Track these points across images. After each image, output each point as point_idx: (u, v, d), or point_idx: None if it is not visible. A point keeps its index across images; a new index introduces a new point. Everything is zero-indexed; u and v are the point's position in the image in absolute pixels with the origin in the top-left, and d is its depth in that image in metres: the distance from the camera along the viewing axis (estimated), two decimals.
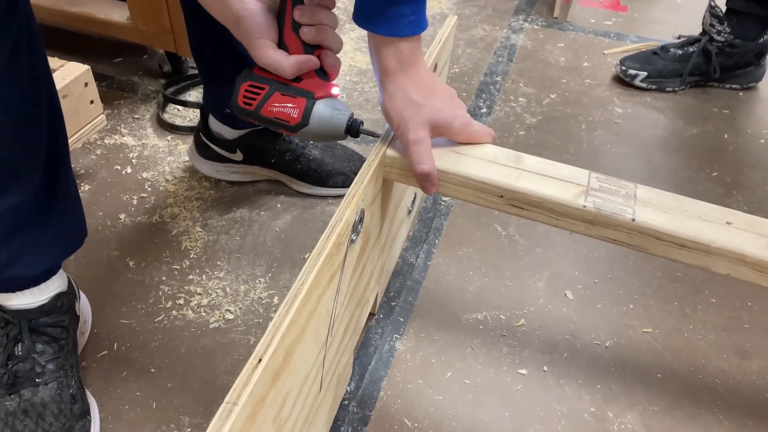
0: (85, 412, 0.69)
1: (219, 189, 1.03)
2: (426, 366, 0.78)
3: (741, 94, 1.35)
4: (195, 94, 1.25)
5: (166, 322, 0.82)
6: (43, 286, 0.68)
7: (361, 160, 1.05)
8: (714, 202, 0.62)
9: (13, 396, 0.66)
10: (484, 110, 1.25)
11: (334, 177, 1.01)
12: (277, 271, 0.89)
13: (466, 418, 0.73)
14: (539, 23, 1.58)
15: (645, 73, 1.32)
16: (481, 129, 0.66)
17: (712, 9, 1.29)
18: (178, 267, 0.89)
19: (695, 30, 1.40)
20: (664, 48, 1.35)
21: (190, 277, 0.88)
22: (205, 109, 0.98)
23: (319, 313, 0.51)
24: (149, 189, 1.02)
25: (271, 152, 0.99)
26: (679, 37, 1.42)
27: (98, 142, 1.11)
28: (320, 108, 0.65)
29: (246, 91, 0.66)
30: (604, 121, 1.24)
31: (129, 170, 1.05)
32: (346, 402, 0.74)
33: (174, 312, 0.83)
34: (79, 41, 1.38)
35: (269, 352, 0.43)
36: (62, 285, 0.71)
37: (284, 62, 0.63)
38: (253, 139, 0.98)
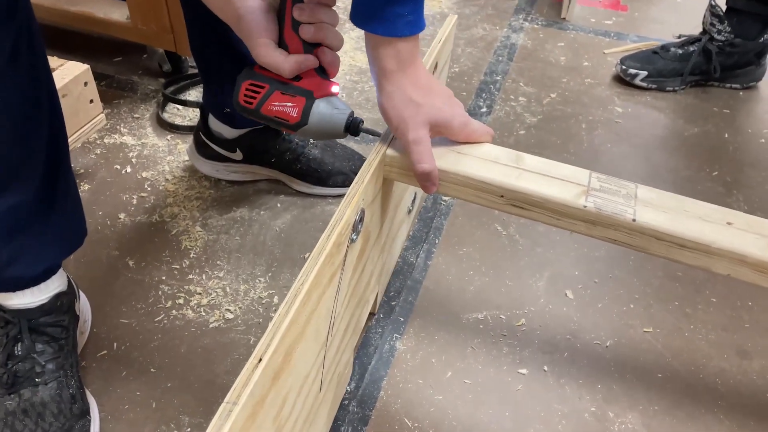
0: (85, 412, 0.69)
1: (219, 188, 1.03)
2: (426, 366, 0.78)
3: (741, 93, 1.35)
4: (195, 94, 1.25)
5: (165, 321, 0.82)
6: (43, 285, 0.68)
7: (361, 159, 1.04)
8: (714, 202, 0.61)
9: (12, 396, 0.66)
10: (484, 109, 1.25)
11: (334, 176, 1.01)
12: (277, 271, 0.89)
13: (466, 418, 0.73)
14: (539, 22, 1.58)
15: (645, 73, 1.32)
16: (480, 128, 0.66)
17: (712, 8, 1.29)
18: (177, 266, 0.89)
19: (695, 29, 1.40)
20: (665, 47, 1.35)
21: (190, 276, 0.88)
22: (205, 108, 0.98)
23: (319, 312, 0.51)
24: (149, 188, 1.02)
25: (271, 151, 0.99)
26: (679, 37, 1.42)
27: (98, 142, 1.11)
28: (319, 107, 0.65)
29: (247, 89, 0.66)
30: (604, 121, 1.24)
31: (129, 170, 1.05)
32: (346, 402, 0.74)
33: (174, 312, 0.83)
34: (79, 40, 1.38)
35: (269, 351, 0.43)
36: (62, 285, 0.71)
37: (283, 62, 0.63)
38: (253, 138, 0.97)
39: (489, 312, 0.85)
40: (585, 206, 0.58)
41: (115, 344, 0.79)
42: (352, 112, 0.66)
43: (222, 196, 1.01)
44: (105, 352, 0.78)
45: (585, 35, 1.54)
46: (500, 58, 1.42)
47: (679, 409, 0.75)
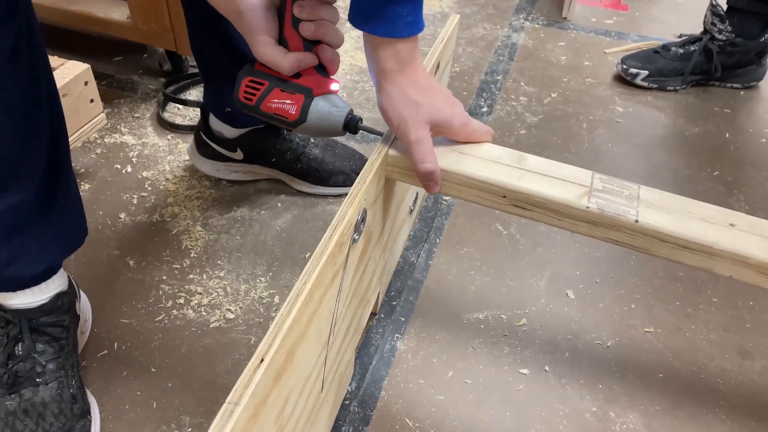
0: (86, 412, 0.69)
1: (219, 188, 1.02)
2: (427, 365, 0.78)
3: (742, 93, 1.35)
4: (195, 93, 1.24)
5: (166, 321, 0.81)
6: (43, 285, 0.68)
7: (362, 159, 1.04)
8: (715, 202, 0.61)
9: (13, 396, 0.66)
10: (485, 109, 1.25)
11: (335, 176, 1.01)
12: (277, 271, 0.89)
13: (467, 418, 0.73)
14: (540, 22, 1.58)
15: (646, 72, 1.32)
16: (480, 127, 0.65)
17: (713, 7, 1.29)
18: (178, 266, 0.89)
19: (696, 29, 1.40)
20: (666, 47, 1.35)
21: (191, 276, 0.87)
22: (205, 107, 0.98)
23: (321, 312, 0.51)
24: (149, 188, 1.02)
25: (271, 151, 0.99)
26: (680, 36, 1.41)
27: (98, 141, 1.10)
28: (318, 104, 0.65)
29: (247, 86, 0.66)
30: (605, 120, 1.24)
31: (129, 169, 1.05)
32: (347, 402, 0.73)
33: (174, 311, 0.83)
34: (79, 40, 1.37)
35: (271, 352, 0.42)
36: (63, 284, 0.71)
37: (282, 60, 0.62)
38: (253, 137, 0.97)
39: (490, 312, 0.85)
40: (587, 207, 0.58)
41: (115, 344, 0.79)
42: (351, 110, 0.66)
43: (222, 195, 1.01)
44: (105, 351, 0.78)
45: (586, 35, 1.54)
46: (501, 58, 1.42)
47: (680, 409, 0.75)
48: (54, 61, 0.96)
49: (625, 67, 1.33)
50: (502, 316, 0.85)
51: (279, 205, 1.00)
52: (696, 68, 1.32)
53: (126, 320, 0.81)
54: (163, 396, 0.73)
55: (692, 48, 1.32)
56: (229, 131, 0.97)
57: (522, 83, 1.34)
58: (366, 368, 0.77)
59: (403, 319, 0.84)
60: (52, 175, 0.64)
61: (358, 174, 0.99)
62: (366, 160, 1.04)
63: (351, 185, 0.99)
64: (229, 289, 0.86)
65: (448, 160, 0.62)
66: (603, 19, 1.61)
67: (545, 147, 1.16)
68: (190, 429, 0.70)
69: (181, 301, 0.84)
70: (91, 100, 1.01)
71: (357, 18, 0.60)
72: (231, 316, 0.82)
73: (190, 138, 1.07)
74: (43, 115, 0.61)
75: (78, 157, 1.06)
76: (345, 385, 0.73)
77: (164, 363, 0.77)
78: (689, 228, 0.56)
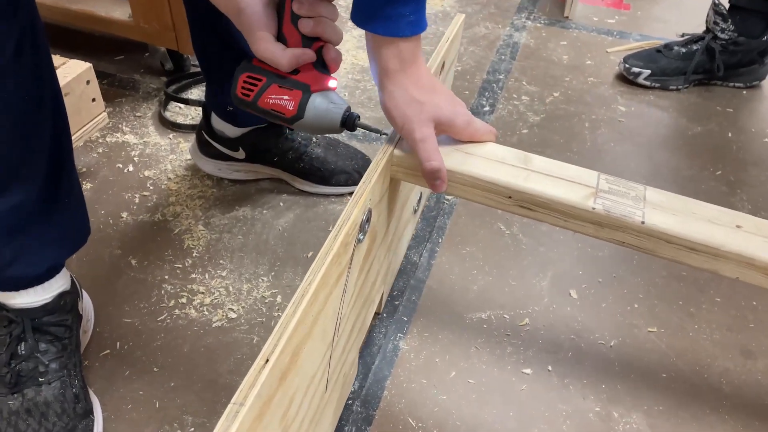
0: (88, 412, 0.68)
1: (221, 187, 1.02)
2: (430, 365, 0.78)
3: (745, 92, 1.35)
4: (197, 92, 1.24)
5: (168, 321, 0.81)
6: (46, 284, 0.68)
7: (364, 158, 1.04)
8: (717, 201, 0.61)
9: (16, 395, 0.66)
10: (487, 108, 1.25)
11: (337, 175, 1.01)
12: (280, 270, 0.89)
13: (470, 418, 0.73)
14: (542, 21, 1.58)
15: (648, 71, 1.31)
16: (482, 127, 0.65)
17: (715, 6, 1.28)
18: (180, 266, 0.89)
19: (698, 28, 1.39)
20: (668, 46, 1.35)
21: (193, 275, 0.87)
22: (207, 106, 0.98)
23: (326, 312, 0.51)
24: (151, 187, 1.01)
25: (273, 150, 0.98)
26: (682, 35, 1.41)
27: (100, 140, 1.10)
28: (316, 101, 0.64)
29: (244, 82, 0.66)
30: (607, 120, 1.24)
31: (131, 168, 1.05)
32: (350, 401, 0.73)
33: (177, 311, 0.82)
34: (81, 39, 1.37)
35: (276, 352, 0.42)
36: (65, 284, 0.71)
37: (280, 55, 0.62)
38: (255, 137, 0.97)
39: (492, 311, 0.85)
40: (594, 208, 0.58)
41: (117, 343, 0.79)
42: (349, 107, 0.66)
43: (224, 195, 1.01)
44: (108, 351, 0.78)
45: (588, 34, 1.53)
46: (503, 57, 1.42)
47: (683, 409, 0.75)
48: (56, 60, 0.96)
49: (627, 66, 1.33)
50: (505, 315, 0.85)
51: (281, 204, 1.00)
52: (698, 67, 1.32)
53: (128, 320, 0.81)
54: (165, 395, 0.73)
55: (695, 47, 1.32)
56: (231, 130, 0.97)
57: (524, 82, 1.33)
58: (369, 368, 0.77)
59: (405, 318, 0.83)
60: (55, 175, 0.64)
61: (360, 173, 1.01)
62: (368, 159, 1.04)
63: (353, 185, 1.01)
64: (231, 288, 0.86)
65: (452, 159, 0.62)
66: (605, 19, 1.61)
67: (547, 146, 1.15)
68: (192, 429, 0.70)
69: (184, 300, 0.84)
70: (93, 99, 1.01)
71: (359, 17, 0.59)
72: (233, 315, 0.82)
73: (192, 137, 1.07)
74: (46, 115, 0.61)
75: (80, 156, 1.06)
76: (349, 385, 0.73)
77: (166, 362, 0.77)
78: (696, 229, 0.56)
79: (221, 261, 0.90)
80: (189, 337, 0.79)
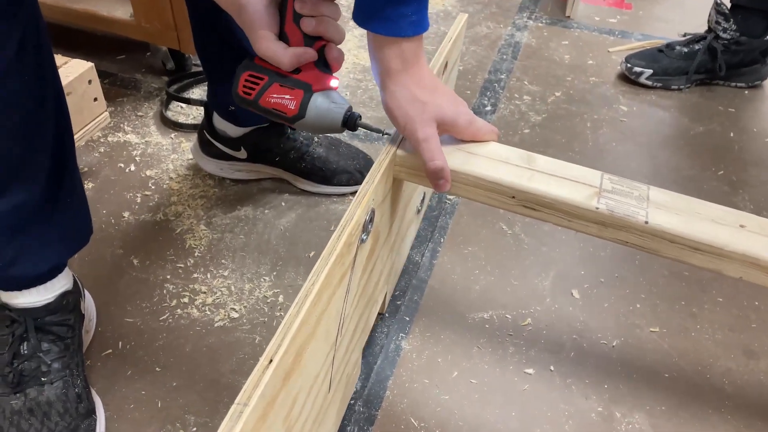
0: (91, 411, 0.68)
1: (223, 187, 1.02)
2: (432, 365, 0.78)
3: (746, 92, 1.35)
4: (198, 92, 1.24)
5: (170, 320, 0.81)
6: (48, 284, 0.68)
7: (366, 158, 1.04)
8: (719, 201, 0.61)
9: (18, 395, 0.66)
10: (488, 108, 1.25)
11: (339, 175, 1.01)
12: (281, 270, 0.89)
13: (472, 418, 0.73)
14: (543, 21, 1.58)
15: (650, 71, 1.31)
16: (485, 126, 0.65)
17: (717, 6, 1.28)
18: (182, 265, 0.89)
19: (700, 28, 1.39)
20: (670, 46, 1.34)
21: (195, 275, 0.87)
22: (209, 106, 0.98)
23: (329, 313, 0.51)
24: (153, 187, 1.01)
25: (275, 150, 0.98)
26: (684, 35, 1.41)
27: (101, 140, 1.10)
28: (317, 100, 0.64)
29: (246, 80, 0.66)
30: (609, 119, 1.24)
31: (132, 168, 1.05)
32: (352, 401, 0.73)
33: (179, 310, 0.82)
34: (82, 38, 1.37)
35: (280, 352, 0.42)
36: (68, 283, 0.71)
37: (282, 54, 0.62)
38: (257, 136, 0.97)
39: (495, 311, 0.85)
40: (597, 208, 0.58)
41: (120, 343, 0.79)
42: (350, 107, 0.66)
43: (226, 194, 1.01)
44: (110, 351, 0.78)
45: (589, 33, 1.53)
46: (504, 57, 1.42)
47: (685, 409, 0.75)
48: (58, 59, 0.95)
49: (629, 65, 1.33)
50: (507, 315, 0.85)
51: (283, 204, 1.00)
52: (700, 67, 1.32)
53: (130, 319, 0.81)
54: (167, 395, 0.73)
55: (696, 47, 1.32)
56: (232, 130, 0.97)
57: (526, 82, 1.33)
58: (371, 368, 0.77)
59: (407, 318, 0.83)
60: (58, 174, 0.64)
61: (361, 173, 1.01)
62: (370, 158, 1.04)
63: (355, 184, 1.01)
64: (233, 288, 0.86)
65: (455, 159, 0.62)
66: (606, 18, 1.61)
67: (549, 146, 1.15)
68: (195, 428, 0.70)
69: (186, 300, 0.84)
70: (95, 99, 1.00)
71: (361, 17, 0.59)
72: (235, 315, 0.82)
73: (194, 137, 1.07)
74: (49, 114, 0.61)
75: (81, 155, 1.06)
76: (352, 386, 0.73)
77: (169, 362, 0.77)
78: (699, 229, 0.56)
79: (223, 261, 0.90)
80: (191, 337, 0.79)
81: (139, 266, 0.88)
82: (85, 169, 1.04)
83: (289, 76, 0.65)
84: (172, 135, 1.12)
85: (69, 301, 0.70)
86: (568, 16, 1.59)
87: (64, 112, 0.64)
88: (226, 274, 0.88)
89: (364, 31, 0.61)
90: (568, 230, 0.94)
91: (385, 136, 0.67)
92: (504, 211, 0.99)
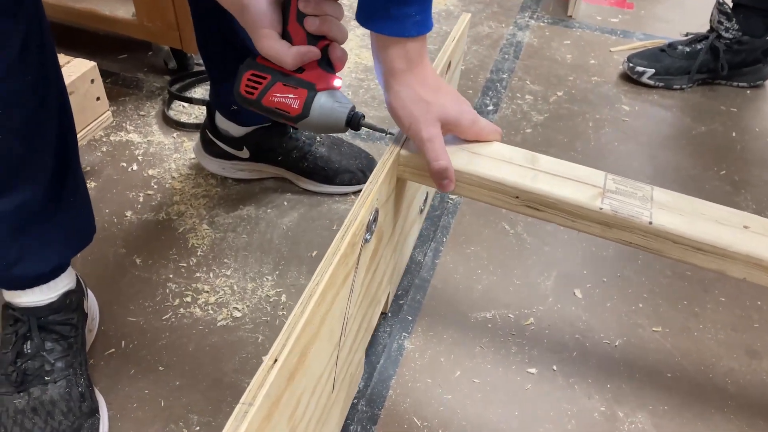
0: (94, 411, 0.69)
1: (225, 186, 1.02)
2: (435, 365, 0.78)
3: (749, 92, 1.35)
4: (200, 91, 1.24)
5: (173, 319, 0.81)
6: (52, 283, 0.68)
7: (368, 157, 1.04)
8: (722, 201, 0.61)
9: (22, 394, 0.66)
10: (490, 108, 1.25)
11: (341, 175, 1.01)
12: (284, 269, 0.89)
13: (475, 417, 0.73)
14: (545, 20, 1.57)
15: (652, 71, 1.31)
16: (488, 126, 0.65)
17: (719, 5, 1.28)
18: (185, 264, 0.89)
19: (702, 27, 1.39)
20: (672, 45, 1.34)
21: (197, 274, 0.87)
22: (211, 105, 0.98)
23: (333, 313, 0.51)
24: (155, 186, 1.01)
25: (277, 150, 0.98)
26: (686, 35, 1.41)
27: (104, 139, 1.10)
28: (321, 100, 0.64)
29: (248, 80, 0.66)
30: (611, 119, 1.24)
31: (135, 167, 1.05)
32: (355, 401, 0.73)
33: (181, 310, 0.83)
34: (84, 38, 1.37)
35: (285, 352, 0.42)
36: (71, 282, 0.71)
37: (285, 53, 0.62)
38: (259, 136, 0.97)
39: (497, 311, 0.85)
40: (601, 208, 0.58)
41: (122, 342, 0.79)
42: (354, 107, 0.66)
43: (229, 194, 1.01)
44: (113, 350, 0.78)
45: (591, 33, 1.53)
46: (506, 56, 1.42)
47: (688, 409, 0.75)
48: (60, 58, 0.95)
49: (631, 65, 1.33)
50: (510, 315, 0.85)
51: (285, 203, 1.00)
52: (702, 67, 1.32)
53: (133, 318, 0.81)
54: (170, 394, 0.73)
55: (698, 46, 1.32)
56: (235, 129, 0.97)
57: (527, 82, 1.33)
58: (374, 367, 0.77)
59: (410, 318, 0.83)
60: (61, 174, 0.64)
61: (364, 172, 1.01)
62: (372, 158, 1.04)
63: (357, 184, 1.01)
64: (235, 287, 0.86)
65: (459, 159, 0.62)
66: (608, 18, 1.61)
67: (551, 146, 1.15)
68: (198, 427, 0.70)
69: (188, 299, 0.84)
70: (97, 98, 1.00)
71: (364, 17, 0.59)
72: (238, 314, 0.82)
73: (196, 136, 1.07)
74: (52, 113, 0.61)
75: (84, 155, 1.06)
76: (355, 385, 0.73)
77: (171, 361, 0.77)
78: (703, 230, 0.56)
79: (226, 260, 0.90)
80: (194, 336, 0.79)
81: (142, 265, 0.88)
82: (88, 168, 1.04)
83: (292, 76, 0.64)
84: (175, 134, 1.12)
85: (72, 301, 0.70)
86: (570, 16, 1.59)
87: (67, 112, 0.64)
88: (228, 273, 0.88)
89: (366, 31, 0.61)
90: (571, 230, 0.94)
91: (389, 135, 0.67)
92: (506, 211, 0.99)
